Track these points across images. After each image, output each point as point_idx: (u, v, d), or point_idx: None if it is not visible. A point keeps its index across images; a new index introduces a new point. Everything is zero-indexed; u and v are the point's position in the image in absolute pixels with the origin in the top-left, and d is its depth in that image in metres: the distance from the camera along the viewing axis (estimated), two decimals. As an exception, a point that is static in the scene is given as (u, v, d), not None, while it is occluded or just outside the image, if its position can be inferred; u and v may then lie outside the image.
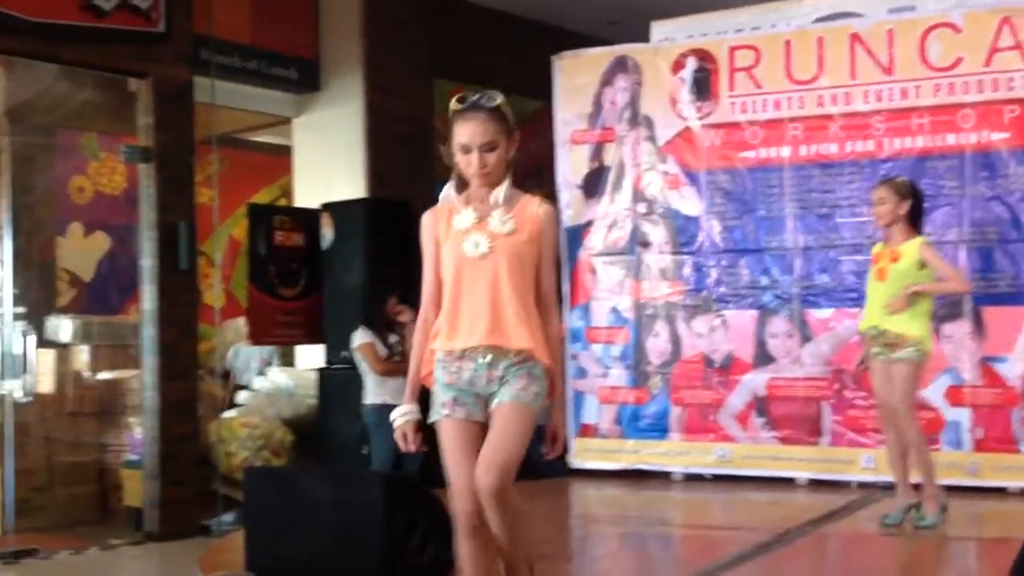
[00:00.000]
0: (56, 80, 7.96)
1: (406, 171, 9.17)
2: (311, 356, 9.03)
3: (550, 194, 7.58)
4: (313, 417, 8.53)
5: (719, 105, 7.57)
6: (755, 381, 7.42)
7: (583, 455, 7.87)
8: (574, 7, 9.88)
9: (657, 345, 7.73)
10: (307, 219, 8.66)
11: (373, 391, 7.41)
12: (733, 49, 7.55)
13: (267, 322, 8.45)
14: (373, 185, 9.07)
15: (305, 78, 9.22)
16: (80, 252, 9.26)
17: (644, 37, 8.06)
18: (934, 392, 6.77)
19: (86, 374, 8.46)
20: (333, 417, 8.18)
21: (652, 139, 7.78)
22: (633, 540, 6.18)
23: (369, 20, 9.16)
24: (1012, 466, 6.72)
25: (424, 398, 3.53)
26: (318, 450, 8.34)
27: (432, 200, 3.61)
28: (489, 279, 3.39)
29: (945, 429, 6.83)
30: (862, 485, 7.00)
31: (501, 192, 3.44)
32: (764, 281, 7.44)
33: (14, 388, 7.52)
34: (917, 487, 5.65)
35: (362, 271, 8.26)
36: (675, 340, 7.68)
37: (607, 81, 7.93)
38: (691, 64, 7.65)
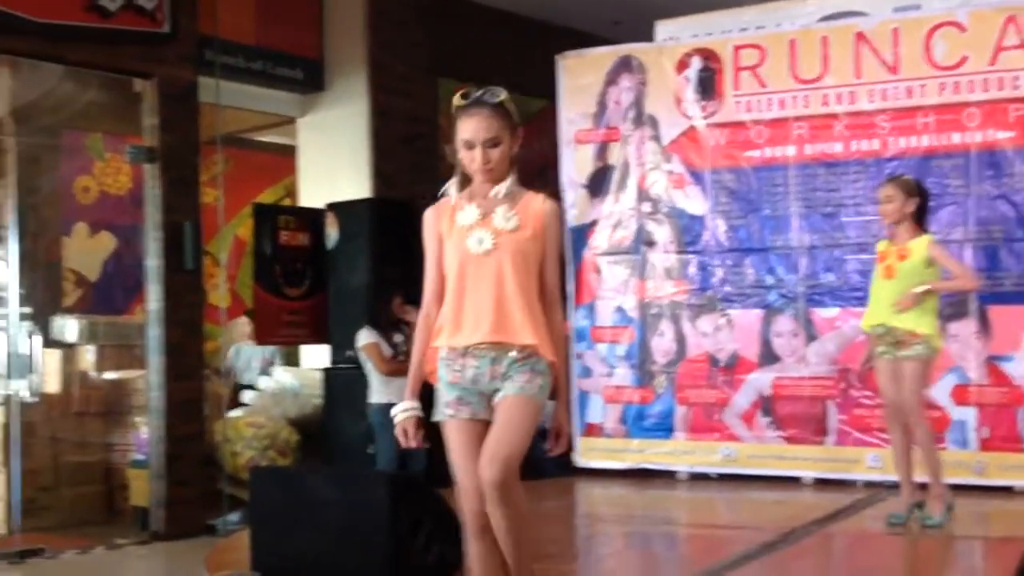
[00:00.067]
0: (61, 81, 7.96)
1: (411, 171, 9.16)
2: (316, 356, 9.04)
3: (554, 193, 7.49)
4: (318, 417, 8.53)
5: (724, 104, 7.57)
6: (760, 380, 7.41)
7: (588, 454, 7.87)
8: (578, 6, 9.87)
9: (662, 344, 7.73)
10: (312, 219, 8.66)
11: (378, 391, 7.42)
12: (738, 48, 7.55)
13: (272, 322, 8.45)
14: (378, 185, 9.06)
15: (309, 78, 9.22)
16: (86, 252, 9.28)
17: (648, 36, 8.06)
18: (940, 391, 6.75)
19: (92, 374, 8.47)
20: (338, 417, 8.17)
21: (657, 138, 7.78)
22: (638, 539, 6.18)
23: (373, 20, 9.15)
24: (1018, 465, 6.72)
25: (426, 394, 3.52)
26: (323, 450, 8.33)
27: (436, 200, 3.57)
28: (493, 275, 3.37)
29: (951, 428, 6.82)
30: (868, 484, 7.00)
31: (503, 187, 3.42)
32: (769, 280, 7.44)
33: (20, 388, 7.51)
34: (923, 486, 5.64)
35: (367, 271, 8.26)
36: (680, 339, 7.67)
37: (611, 80, 7.94)
38: (696, 63, 7.65)
